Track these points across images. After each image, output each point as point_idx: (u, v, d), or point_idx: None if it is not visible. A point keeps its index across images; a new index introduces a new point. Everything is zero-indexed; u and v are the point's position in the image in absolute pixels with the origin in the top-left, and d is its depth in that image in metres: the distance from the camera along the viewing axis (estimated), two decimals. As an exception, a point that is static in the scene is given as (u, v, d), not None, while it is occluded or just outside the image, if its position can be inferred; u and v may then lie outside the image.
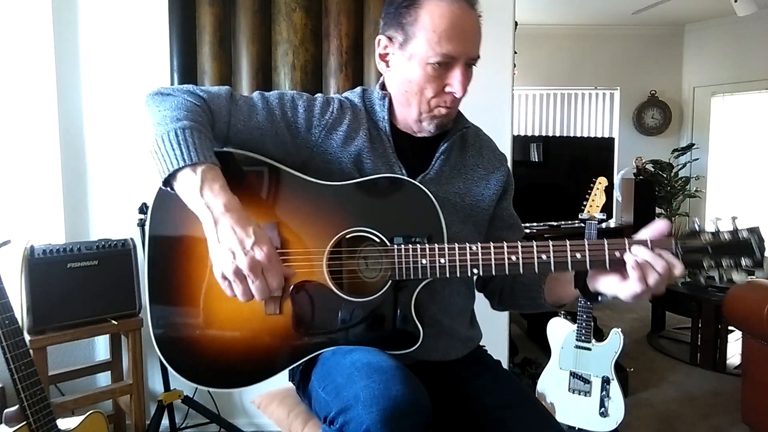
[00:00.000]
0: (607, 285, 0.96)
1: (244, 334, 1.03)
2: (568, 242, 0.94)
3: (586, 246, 0.94)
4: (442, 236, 1.00)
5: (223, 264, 0.88)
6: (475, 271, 0.96)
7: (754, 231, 0.93)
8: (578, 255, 0.94)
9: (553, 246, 0.94)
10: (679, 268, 0.90)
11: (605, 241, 0.94)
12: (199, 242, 1.03)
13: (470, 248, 0.96)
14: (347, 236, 1.02)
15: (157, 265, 1.05)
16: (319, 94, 1.15)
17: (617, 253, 0.93)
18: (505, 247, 0.95)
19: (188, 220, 0.97)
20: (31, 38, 1.99)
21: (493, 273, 0.96)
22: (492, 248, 0.95)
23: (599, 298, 1.01)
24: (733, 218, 0.95)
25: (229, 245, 0.87)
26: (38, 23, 1.99)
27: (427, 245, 0.97)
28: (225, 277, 0.89)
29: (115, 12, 2.08)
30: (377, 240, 1.00)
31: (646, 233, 0.94)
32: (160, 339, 1.04)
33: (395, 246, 0.98)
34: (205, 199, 0.89)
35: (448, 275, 0.97)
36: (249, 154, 1.05)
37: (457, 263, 0.96)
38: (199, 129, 0.94)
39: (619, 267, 0.93)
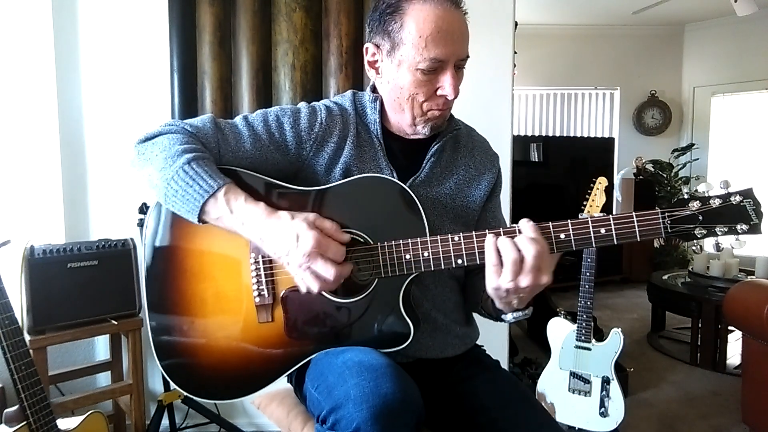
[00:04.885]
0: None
1: (239, 344, 1.03)
2: (551, 224, 0.94)
3: (569, 225, 0.94)
4: (424, 233, 0.99)
5: (293, 261, 0.91)
6: (459, 261, 0.95)
7: (748, 194, 0.86)
8: (562, 236, 0.93)
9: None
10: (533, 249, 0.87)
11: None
12: (195, 254, 1.04)
13: (452, 239, 0.95)
14: None
15: (154, 278, 1.06)
16: (302, 104, 1.13)
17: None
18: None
19: (185, 233, 0.98)
20: (31, 38, 1.99)
21: (477, 261, 0.95)
22: (474, 237, 0.95)
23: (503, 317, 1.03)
24: (725, 182, 0.88)
25: (284, 248, 0.91)
26: (38, 23, 1.99)
27: (410, 240, 0.97)
28: (306, 269, 0.91)
29: (115, 12, 2.08)
30: (362, 240, 1.00)
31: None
32: (160, 353, 1.05)
33: (378, 244, 0.98)
34: (242, 219, 0.93)
35: (433, 268, 0.97)
36: (233, 169, 1.03)
37: (441, 255, 0.96)
38: (198, 157, 0.95)
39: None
